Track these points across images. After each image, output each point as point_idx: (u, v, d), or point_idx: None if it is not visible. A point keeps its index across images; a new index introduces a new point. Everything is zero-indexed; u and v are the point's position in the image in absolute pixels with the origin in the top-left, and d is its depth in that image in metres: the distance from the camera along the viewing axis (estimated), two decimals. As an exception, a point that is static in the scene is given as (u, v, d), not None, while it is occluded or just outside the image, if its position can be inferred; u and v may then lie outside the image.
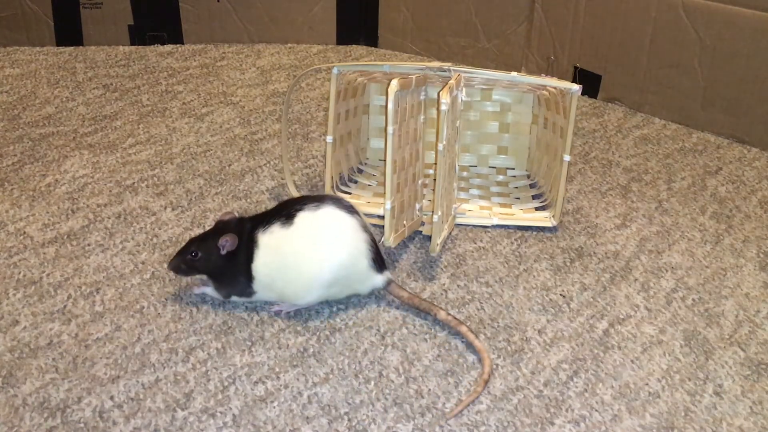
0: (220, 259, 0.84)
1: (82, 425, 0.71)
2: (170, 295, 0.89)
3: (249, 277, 0.84)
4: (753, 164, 1.27)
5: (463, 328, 0.83)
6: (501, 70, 1.03)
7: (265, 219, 0.85)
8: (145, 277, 0.92)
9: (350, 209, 0.86)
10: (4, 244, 0.97)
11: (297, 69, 1.59)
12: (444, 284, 0.93)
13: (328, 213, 0.85)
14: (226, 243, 0.83)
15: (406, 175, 0.97)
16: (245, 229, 0.85)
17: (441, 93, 0.88)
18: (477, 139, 1.23)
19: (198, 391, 0.76)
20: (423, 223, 1.05)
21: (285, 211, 0.85)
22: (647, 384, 0.79)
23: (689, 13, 1.31)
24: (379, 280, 0.87)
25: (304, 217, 0.84)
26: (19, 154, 1.20)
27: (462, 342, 0.84)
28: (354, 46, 1.73)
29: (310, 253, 0.83)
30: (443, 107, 0.87)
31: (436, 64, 1.03)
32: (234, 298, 0.88)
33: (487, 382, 0.78)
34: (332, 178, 1.07)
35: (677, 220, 1.10)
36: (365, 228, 0.86)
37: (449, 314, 0.85)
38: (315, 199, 0.86)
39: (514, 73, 1.00)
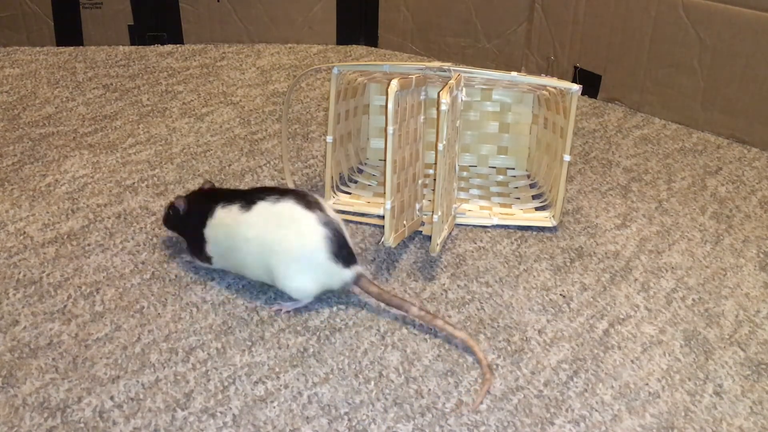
0: (181, 219, 0.93)
1: (82, 425, 0.71)
2: (170, 295, 0.89)
3: (202, 240, 0.91)
4: (753, 164, 1.27)
5: (439, 322, 0.82)
6: (501, 70, 1.03)
7: (231, 197, 0.91)
8: (145, 277, 0.92)
9: (311, 204, 0.87)
10: (4, 244, 0.97)
11: (297, 69, 1.59)
12: (444, 284, 0.93)
13: (284, 207, 0.87)
14: (180, 205, 0.93)
15: (406, 175, 0.97)
16: (211, 198, 0.92)
17: (441, 93, 0.88)
18: (477, 139, 1.23)
19: (198, 391, 0.76)
20: (423, 223, 1.05)
21: (250, 196, 0.89)
22: (647, 384, 0.79)
23: (689, 13, 1.31)
24: (346, 274, 0.87)
25: (261, 207, 0.87)
26: (19, 154, 1.20)
27: (462, 342, 0.84)
28: (354, 46, 1.73)
29: (258, 244, 0.87)
30: (443, 107, 0.87)
31: (436, 64, 1.03)
32: (198, 263, 0.94)
33: (489, 366, 0.78)
34: (332, 178, 1.07)
35: (677, 220, 1.10)
36: (327, 223, 0.86)
37: (422, 309, 0.84)
38: (279, 192, 0.89)
39: (514, 73, 1.00)
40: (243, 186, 1.13)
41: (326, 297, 0.90)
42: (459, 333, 0.81)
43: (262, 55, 1.65)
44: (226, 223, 0.89)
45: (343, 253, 0.86)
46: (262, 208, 0.87)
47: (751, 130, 1.32)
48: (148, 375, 0.77)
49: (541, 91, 1.13)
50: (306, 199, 0.87)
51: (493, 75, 1.02)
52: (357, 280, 0.87)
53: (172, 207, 0.94)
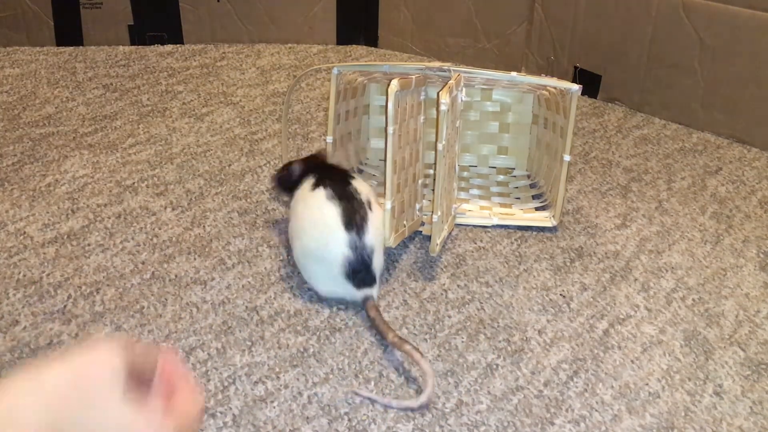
0: (289, 184, 0.97)
1: (82, 425, 0.71)
2: (170, 295, 0.89)
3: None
4: (753, 164, 1.27)
5: (407, 347, 0.78)
6: (501, 70, 1.03)
7: (320, 175, 0.93)
8: (145, 277, 0.92)
9: (355, 221, 0.86)
10: (4, 244, 0.97)
11: (297, 69, 1.59)
12: (444, 284, 0.93)
13: (329, 211, 0.87)
14: (295, 169, 0.97)
15: (406, 175, 0.97)
16: (310, 170, 0.95)
17: (441, 93, 0.88)
18: (477, 139, 1.23)
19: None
20: (423, 223, 1.05)
21: (324, 180, 0.91)
22: (647, 384, 0.79)
23: (689, 13, 1.31)
24: (355, 294, 0.87)
25: (316, 195, 0.89)
26: (19, 154, 1.20)
27: (462, 342, 0.84)
28: (354, 46, 1.73)
29: (295, 222, 0.91)
30: (443, 107, 0.87)
31: (436, 64, 1.03)
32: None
33: (423, 405, 0.74)
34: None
35: (677, 220, 1.10)
36: (355, 248, 0.85)
37: (396, 336, 0.80)
38: (350, 191, 0.89)
39: (514, 73, 1.00)
40: (242, 185, 1.13)
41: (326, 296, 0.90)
42: (424, 365, 0.76)
43: (262, 55, 1.65)
44: (297, 197, 0.93)
45: (358, 276, 0.86)
46: (316, 196, 0.89)
47: (751, 130, 1.32)
48: (148, 375, 0.77)
49: (541, 91, 1.13)
50: (358, 212, 0.87)
51: (493, 75, 1.02)
52: (364, 301, 0.86)
53: (287, 168, 0.98)
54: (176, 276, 0.92)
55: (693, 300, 0.93)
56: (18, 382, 0.38)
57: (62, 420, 0.37)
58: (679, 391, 0.78)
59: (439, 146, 0.89)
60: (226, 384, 0.77)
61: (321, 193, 0.89)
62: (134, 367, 0.39)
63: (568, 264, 0.99)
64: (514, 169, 1.23)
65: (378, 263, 0.88)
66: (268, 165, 1.19)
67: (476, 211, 1.09)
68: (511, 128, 1.22)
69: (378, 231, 0.88)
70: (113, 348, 0.40)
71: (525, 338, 0.85)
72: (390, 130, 0.88)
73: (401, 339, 0.79)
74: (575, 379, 0.79)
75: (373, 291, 0.87)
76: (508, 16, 1.56)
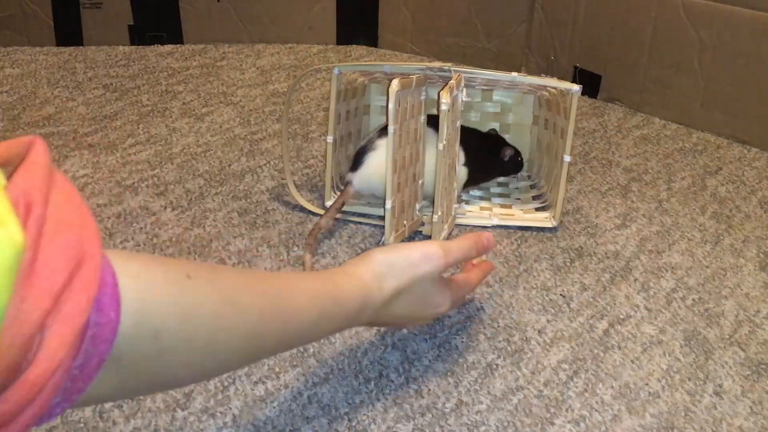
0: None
1: (82, 425, 0.71)
2: (170, 295, 0.89)
3: None
4: (753, 164, 1.27)
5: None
6: (501, 71, 1.03)
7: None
8: (145, 277, 0.92)
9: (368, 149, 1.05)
10: (4, 244, 0.97)
11: (297, 69, 1.59)
12: (444, 284, 0.93)
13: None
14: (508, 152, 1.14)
15: (406, 175, 0.97)
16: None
17: (441, 93, 0.88)
18: (477, 139, 1.23)
19: (198, 391, 0.76)
20: (423, 223, 1.05)
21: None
22: (647, 384, 0.79)
23: (689, 13, 1.31)
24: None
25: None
26: (19, 154, 1.20)
27: (462, 342, 0.84)
28: (354, 46, 1.74)
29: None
30: (443, 107, 0.87)
31: (437, 64, 1.03)
32: None
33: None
34: (332, 178, 1.07)
35: (677, 220, 1.10)
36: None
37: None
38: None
39: (514, 74, 1.00)
40: (242, 185, 1.13)
41: (326, 297, 0.90)
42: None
43: (262, 55, 1.65)
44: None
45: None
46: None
47: (751, 130, 1.32)
48: (148, 375, 0.77)
49: (541, 91, 1.13)
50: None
51: (494, 75, 1.02)
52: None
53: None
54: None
55: (693, 300, 0.93)
56: None
57: None
58: (679, 391, 0.79)
59: (440, 146, 0.89)
60: (226, 384, 0.77)
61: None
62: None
63: (568, 264, 0.99)
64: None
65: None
66: (268, 165, 1.19)
67: (476, 212, 1.09)
68: (512, 129, 1.22)
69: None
70: None
71: (525, 338, 0.85)
72: (390, 129, 0.88)
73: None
74: (575, 379, 0.79)
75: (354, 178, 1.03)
76: (508, 16, 1.56)
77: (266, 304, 0.50)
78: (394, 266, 0.64)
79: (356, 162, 1.05)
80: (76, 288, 0.34)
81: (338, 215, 1.04)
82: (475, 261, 0.84)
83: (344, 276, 0.61)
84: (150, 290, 0.40)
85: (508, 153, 1.13)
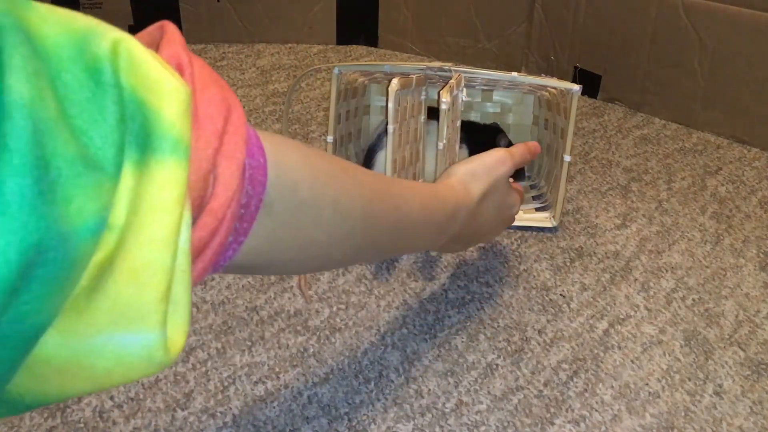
0: None
1: (82, 425, 0.71)
2: (170, 295, 0.89)
3: None
4: (753, 164, 1.27)
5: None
6: (501, 71, 1.03)
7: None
8: (145, 277, 0.92)
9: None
10: (4, 244, 0.97)
11: (297, 69, 1.59)
12: (444, 284, 0.93)
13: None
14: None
15: (406, 174, 0.97)
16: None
17: (441, 92, 0.88)
18: (477, 139, 1.23)
19: (198, 391, 0.76)
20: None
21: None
22: (647, 384, 0.79)
23: (689, 13, 1.31)
24: None
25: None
26: (19, 154, 1.19)
27: (462, 342, 0.84)
28: (354, 46, 1.73)
29: None
30: (444, 106, 0.87)
31: (437, 64, 1.03)
32: None
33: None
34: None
35: (677, 220, 1.10)
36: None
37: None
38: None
39: (514, 74, 1.00)
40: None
41: (326, 296, 0.90)
42: None
43: (262, 55, 1.65)
44: None
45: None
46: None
47: (751, 130, 1.32)
48: (148, 375, 0.77)
49: (541, 92, 1.13)
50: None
51: (494, 75, 1.02)
52: None
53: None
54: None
55: (693, 300, 0.93)
56: None
57: None
58: (679, 391, 0.78)
59: (440, 145, 0.89)
60: (226, 384, 0.77)
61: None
62: None
63: (568, 264, 0.99)
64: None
65: None
66: (268, 165, 1.19)
67: (476, 211, 1.09)
68: (512, 129, 1.22)
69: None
70: None
71: (525, 338, 0.85)
72: (390, 129, 0.88)
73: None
74: (575, 379, 0.79)
75: None
76: (508, 16, 1.56)
77: (378, 184, 0.57)
78: (475, 173, 0.74)
79: (367, 160, 1.05)
80: (230, 132, 0.39)
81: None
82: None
83: (437, 185, 0.71)
84: (283, 151, 0.45)
85: (503, 142, 1.13)
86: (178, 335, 0.35)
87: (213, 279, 0.92)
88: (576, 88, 0.98)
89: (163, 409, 0.73)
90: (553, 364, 0.81)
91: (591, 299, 0.92)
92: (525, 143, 0.85)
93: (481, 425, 0.73)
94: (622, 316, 0.89)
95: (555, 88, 1.04)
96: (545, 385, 0.79)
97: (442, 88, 0.89)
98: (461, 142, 1.03)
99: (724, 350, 0.85)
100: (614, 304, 0.92)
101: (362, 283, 0.92)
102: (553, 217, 1.05)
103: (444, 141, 0.89)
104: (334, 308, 0.88)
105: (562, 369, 0.81)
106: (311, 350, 0.82)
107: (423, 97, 1.02)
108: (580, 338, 0.85)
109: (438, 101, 0.88)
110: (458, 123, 1.01)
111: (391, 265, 0.96)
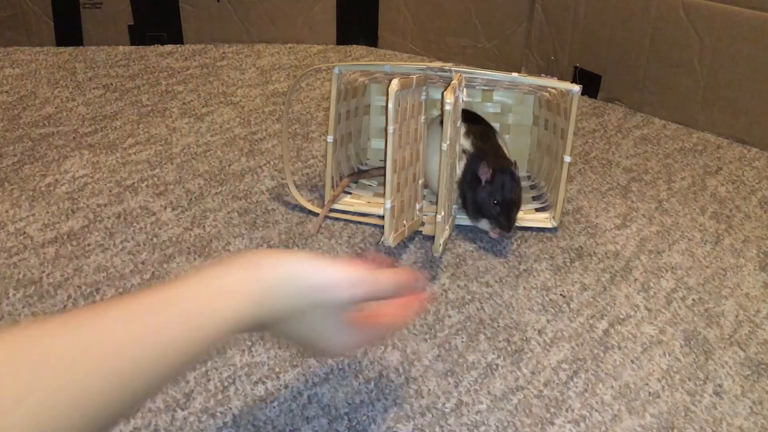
0: None
1: (82, 425, 0.71)
2: (170, 295, 0.89)
3: None
4: (753, 164, 1.27)
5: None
6: (501, 71, 1.03)
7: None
8: (145, 277, 0.92)
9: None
10: (4, 244, 0.97)
11: (297, 69, 1.59)
12: (444, 284, 0.93)
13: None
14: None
15: (406, 174, 0.97)
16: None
17: (445, 93, 0.88)
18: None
19: (198, 391, 0.76)
20: (423, 223, 1.05)
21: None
22: (647, 384, 0.79)
23: (689, 13, 1.31)
24: None
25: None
26: (19, 154, 1.20)
27: (462, 342, 0.84)
28: (354, 46, 1.74)
29: None
30: (447, 107, 0.87)
31: (437, 64, 1.03)
32: None
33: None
34: (332, 178, 1.07)
35: (677, 220, 1.10)
36: None
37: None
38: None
39: (514, 74, 1.00)
40: (242, 185, 1.13)
41: (326, 297, 0.90)
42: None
43: (262, 55, 1.65)
44: None
45: None
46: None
47: (751, 130, 1.32)
48: (148, 375, 0.77)
49: (542, 92, 1.13)
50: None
51: (494, 76, 1.02)
52: None
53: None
54: (176, 276, 0.92)
55: (693, 300, 0.93)
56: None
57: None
58: (679, 391, 0.79)
59: (444, 146, 0.89)
60: (226, 384, 0.77)
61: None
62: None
63: (568, 264, 0.99)
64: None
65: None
66: (268, 165, 1.19)
67: (476, 211, 1.09)
68: (512, 129, 1.22)
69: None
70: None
71: (525, 338, 0.85)
72: (390, 129, 0.88)
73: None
74: (575, 379, 0.79)
75: None
76: (508, 16, 1.56)
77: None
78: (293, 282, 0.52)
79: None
80: None
81: (338, 216, 1.04)
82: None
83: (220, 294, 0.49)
84: None
85: (481, 171, 0.99)
86: None
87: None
88: (576, 88, 0.98)
89: (163, 409, 0.73)
90: (553, 364, 0.81)
91: (591, 299, 0.92)
92: (410, 271, 0.62)
93: (481, 425, 0.73)
94: (622, 316, 0.89)
95: (555, 88, 1.04)
96: (545, 385, 0.79)
97: (445, 89, 0.89)
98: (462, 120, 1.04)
99: (724, 350, 0.85)
100: (614, 304, 0.92)
101: (362, 283, 0.92)
102: (553, 217, 1.05)
103: (447, 141, 0.89)
104: (334, 308, 0.88)
105: (562, 369, 0.81)
106: (311, 350, 0.82)
107: (423, 98, 1.02)
108: (580, 338, 0.86)
109: (442, 102, 0.88)
110: (458, 123, 1.01)
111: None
